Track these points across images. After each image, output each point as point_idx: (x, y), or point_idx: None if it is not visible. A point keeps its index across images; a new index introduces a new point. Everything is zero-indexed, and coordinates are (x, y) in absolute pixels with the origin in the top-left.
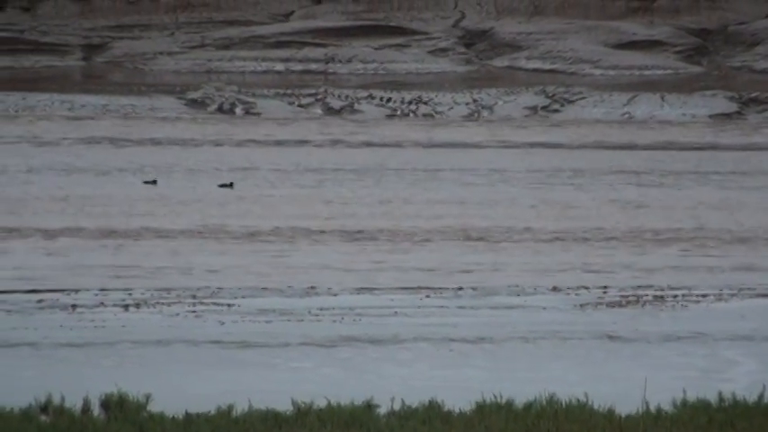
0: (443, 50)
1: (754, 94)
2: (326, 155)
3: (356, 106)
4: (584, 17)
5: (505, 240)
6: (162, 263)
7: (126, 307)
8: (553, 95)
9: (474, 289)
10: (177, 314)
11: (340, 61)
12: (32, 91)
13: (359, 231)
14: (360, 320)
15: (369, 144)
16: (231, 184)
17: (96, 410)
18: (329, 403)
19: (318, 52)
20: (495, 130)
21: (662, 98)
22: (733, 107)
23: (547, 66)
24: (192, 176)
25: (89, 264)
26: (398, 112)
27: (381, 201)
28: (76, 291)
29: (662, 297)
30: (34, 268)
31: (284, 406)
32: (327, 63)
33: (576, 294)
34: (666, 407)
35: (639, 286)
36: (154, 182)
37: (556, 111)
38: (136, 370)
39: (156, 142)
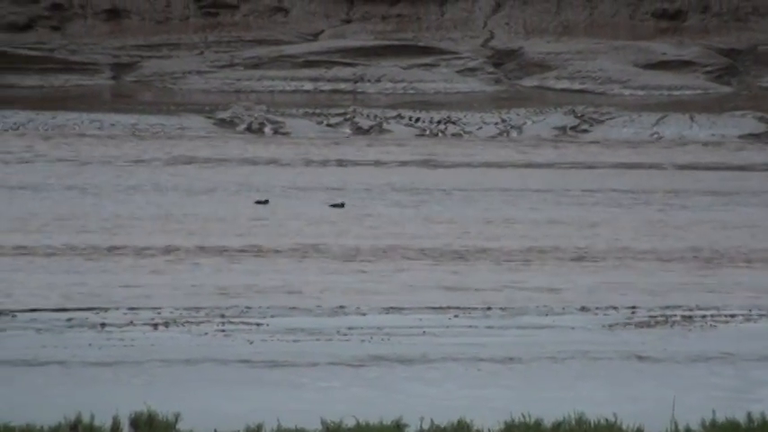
0: (472, 70)
1: None
2: (420, 175)
3: (385, 126)
4: (613, 37)
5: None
6: (271, 282)
7: (155, 326)
8: (582, 115)
9: (502, 309)
10: (206, 333)
11: (369, 81)
12: (62, 110)
13: (457, 251)
14: (388, 340)
15: (467, 164)
16: (342, 204)
17: (125, 429)
18: (358, 423)
19: (347, 72)
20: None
21: (691, 118)
22: (762, 127)
23: (576, 86)
24: (295, 196)
25: (197, 283)
26: (427, 132)
27: (483, 220)
28: (105, 309)
29: (690, 317)
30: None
31: (313, 425)
32: (356, 82)
33: (605, 314)
34: (695, 427)
35: (668, 306)
36: (266, 202)
37: (585, 131)
38: (165, 389)
39: (250, 162)
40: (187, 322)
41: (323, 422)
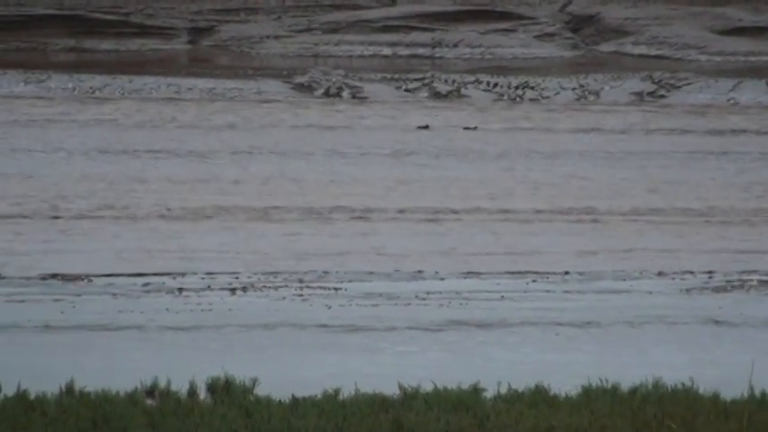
0: (550, 35)
1: None
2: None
3: (463, 91)
4: (689, 3)
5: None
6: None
7: (233, 290)
8: (659, 81)
9: (580, 274)
10: (284, 298)
11: (447, 46)
12: (138, 74)
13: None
14: (466, 304)
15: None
16: None
17: (203, 394)
18: (436, 387)
19: (425, 37)
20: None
21: (767, 84)
22: None
23: (653, 51)
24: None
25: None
26: (505, 97)
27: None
28: (183, 274)
29: (767, 282)
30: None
31: (391, 390)
32: (434, 47)
33: (682, 279)
34: None
35: (744, 271)
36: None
37: (662, 96)
38: (242, 353)
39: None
40: (265, 287)
41: (401, 386)
